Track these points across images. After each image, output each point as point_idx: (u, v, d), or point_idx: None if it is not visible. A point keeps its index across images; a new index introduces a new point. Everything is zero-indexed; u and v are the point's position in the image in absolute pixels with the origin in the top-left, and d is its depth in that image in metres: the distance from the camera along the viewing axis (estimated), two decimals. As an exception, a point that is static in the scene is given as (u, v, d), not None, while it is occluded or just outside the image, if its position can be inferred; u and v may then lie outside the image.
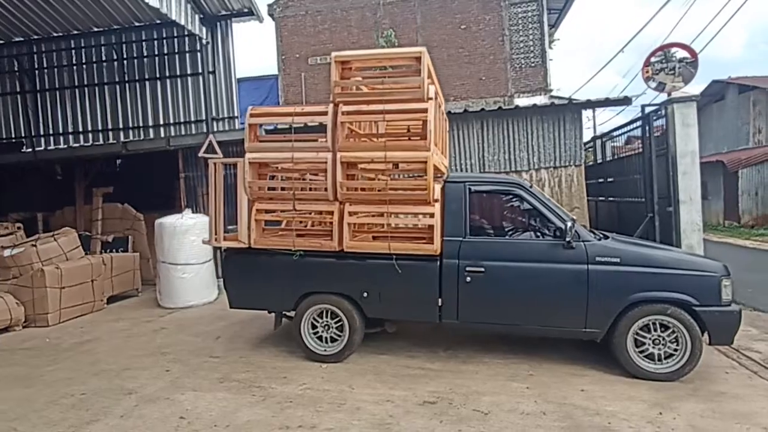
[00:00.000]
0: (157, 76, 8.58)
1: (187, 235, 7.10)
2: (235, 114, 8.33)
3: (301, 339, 4.52)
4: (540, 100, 12.73)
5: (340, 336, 4.48)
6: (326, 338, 4.51)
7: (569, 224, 3.95)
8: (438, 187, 4.13)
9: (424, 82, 3.94)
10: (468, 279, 4.13)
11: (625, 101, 7.15)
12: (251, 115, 4.33)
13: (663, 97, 6.19)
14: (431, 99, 3.99)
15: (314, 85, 15.39)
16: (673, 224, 5.90)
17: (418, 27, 14.59)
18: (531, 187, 4.35)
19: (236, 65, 8.23)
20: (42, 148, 9.14)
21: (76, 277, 6.72)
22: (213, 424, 3.31)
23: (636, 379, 3.89)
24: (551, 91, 13.67)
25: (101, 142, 8.83)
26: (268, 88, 15.59)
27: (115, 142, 8.68)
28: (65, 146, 9.00)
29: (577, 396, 3.64)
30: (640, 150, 6.72)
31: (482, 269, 4.11)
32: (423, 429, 3.20)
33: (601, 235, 4.30)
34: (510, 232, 4.27)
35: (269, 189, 4.53)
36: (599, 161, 8.91)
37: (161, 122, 8.65)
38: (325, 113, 4.14)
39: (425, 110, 3.92)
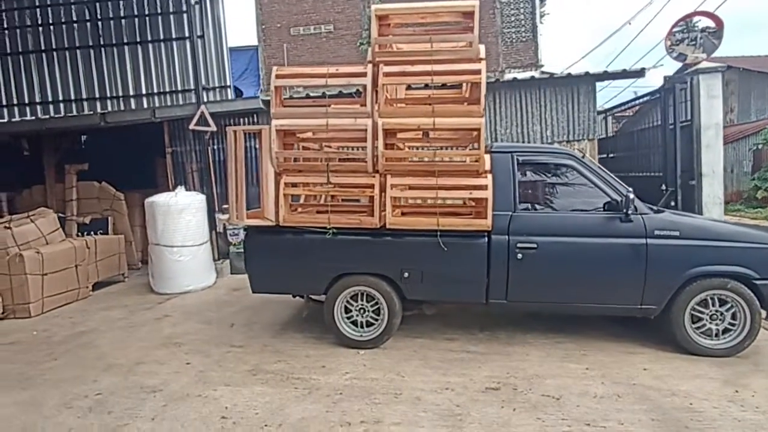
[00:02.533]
0: (138, 40, 7.74)
1: (183, 215, 6.53)
2: (228, 83, 7.66)
3: (334, 324, 4.15)
4: (525, 75, 12.51)
5: (376, 320, 4.14)
6: (361, 323, 4.17)
7: (629, 196, 3.72)
8: (488, 158, 3.80)
9: (477, 40, 3.56)
10: (519, 256, 3.85)
11: (640, 73, 6.98)
12: (277, 77, 3.83)
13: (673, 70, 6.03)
14: (483, 59, 3.62)
15: (297, 57, 14.59)
16: (696, 198, 5.82)
17: (407, -2, 14.00)
18: (583, 157, 4.09)
19: (227, 30, 7.52)
20: (5, 120, 8.16)
21: (58, 263, 6.06)
22: (263, 423, 2.94)
23: (692, 356, 3.76)
24: (542, 66, 13.48)
25: (75, 113, 7.95)
26: (248, 59, 14.69)
27: (91, 113, 7.83)
28: (32, 118, 8.06)
29: (643, 375, 3.47)
30: (658, 123, 6.58)
31: (535, 245, 3.84)
32: (497, 418, 2.94)
33: (657, 209, 4.10)
34: (562, 205, 4.00)
35: (299, 160, 4.07)
36: (611, 135, 8.80)
37: (144, 92, 7.86)
38: (363, 74, 3.70)
39: (479, 71, 3.54)
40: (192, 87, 7.48)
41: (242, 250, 7.68)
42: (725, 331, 3.78)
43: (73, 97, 7.95)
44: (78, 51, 7.90)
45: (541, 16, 14.64)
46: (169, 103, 7.73)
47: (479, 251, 3.90)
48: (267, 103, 7.48)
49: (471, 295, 4.03)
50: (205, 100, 7.34)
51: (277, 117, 3.83)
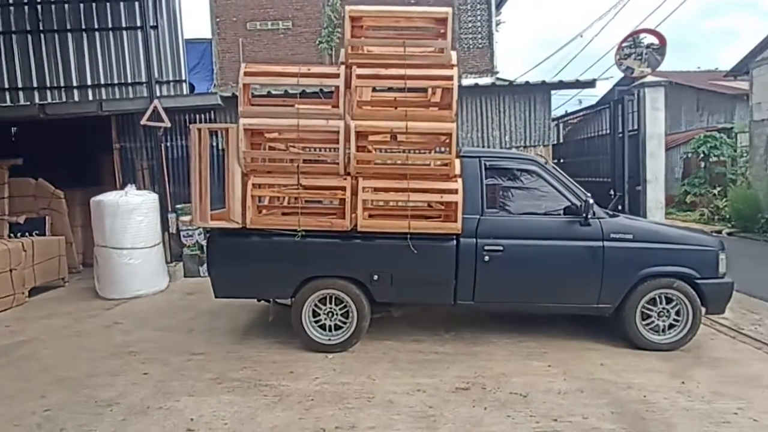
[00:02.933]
0: (83, 27, 7.21)
1: (134, 215, 6.17)
2: (183, 77, 7.31)
3: (302, 328, 4.08)
4: (486, 81, 12.91)
5: (345, 323, 4.11)
6: (330, 326, 4.12)
7: (588, 201, 3.93)
8: (458, 162, 3.88)
9: (449, 47, 3.63)
10: (486, 258, 3.96)
11: (591, 84, 7.40)
12: (246, 74, 3.70)
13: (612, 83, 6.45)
14: (455, 66, 3.69)
15: (253, 53, 14.18)
16: (641, 202, 6.24)
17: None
18: (546, 163, 4.27)
19: (183, 21, 7.17)
20: (-77, 109, 7.34)
21: (-10, 267, 5.54)
22: (233, 433, 2.83)
23: (641, 350, 4.03)
24: (497, 73, 13.94)
25: (9, 103, 7.29)
26: (201, 52, 14.12)
27: (28, 103, 7.20)
28: (-43, 107, 7.30)
29: (601, 371, 3.67)
30: (606, 132, 7.00)
31: (501, 248, 3.97)
32: (470, 418, 3.00)
33: (612, 213, 4.35)
34: (526, 209, 4.15)
35: (266, 161, 3.96)
36: (561, 142, 9.23)
37: (89, 83, 7.33)
38: (336, 75, 3.66)
39: (451, 77, 3.61)
40: (144, 80, 7.08)
41: (196, 252, 7.48)
42: (670, 326, 4.07)
43: (7, 86, 7.28)
44: (14, 36, 7.24)
45: (497, 24, 15.14)
46: (117, 96, 7.26)
47: (448, 254, 3.97)
48: (225, 99, 7.24)
49: (439, 296, 4.10)
50: (158, 94, 6.96)
51: (246, 116, 3.71)
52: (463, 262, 3.98)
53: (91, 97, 7.27)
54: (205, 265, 4.26)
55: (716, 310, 4.14)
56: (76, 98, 7.31)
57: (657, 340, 4.06)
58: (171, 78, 7.26)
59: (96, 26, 7.20)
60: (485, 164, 4.13)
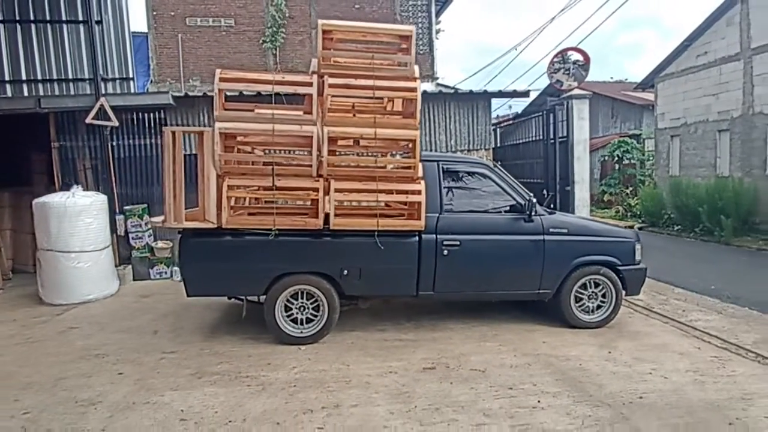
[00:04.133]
0: (17, 18, 6.76)
1: (82, 217, 5.96)
2: (130, 75, 7.10)
3: (275, 323, 4.28)
4: (428, 87, 13.54)
5: (316, 316, 4.37)
6: (301, 320, 4.36)
7: (532, 200, 4.50)
8: (420, 166, 4.27)
9: (413, 61, 4.02)
10: (445, 252, 4.41)
11: (526, 94, 8.17)
12: (221, 80, 3.85)
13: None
14: (418, 79, 4.09)
15: (194, 49, 13.76)
16: (570, 201, 7.05)
17: (311, 0, 14.08)
18: (495, 166, 4.80)
19: (129, 16, 6.97)
20: None
21: None
22: (226, 420, 3.01)
23: (575, 329, 4.68)
24: (437, 79, 14.61)
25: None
26: (136, 47, 13.38)
27: (-48, 98, 6.64)
28: None
29: (543, 347, 4.24)
30: (539, 137, 7.79)
31: (458, 242, 4.43)
32: (439, 391, 3.41)
33: (550, 210, 4.98)
34: (479, 207, 4.65)
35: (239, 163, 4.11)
36: (499, 146, 10.01)
37: (24, 77, 6.88)
38: (309, 84, 3.92)
39: (415, 89, 4.00)
40: (87, 76, 6.79)
41: (146, 255, 7.30)
42: (598, 307, 4.76)
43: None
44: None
45: (437, 32, 15.87)
46: (57, 93, 6.90)
47: (411, 249, 4.36)
48: (177, 99, 7.13)
49: (403, 288, 4.48)
50: (104, 92, 6.72)
51: (221, 120, 3.85)
52: (424, 257, 4.39)
53: (26, 93, 6.84)
54: (178, 264, 4.30)
55: (634, 292, 4.89)
56: (8, 93, 6.84)
57: (588, 319, 4.72)
58: (117, 75, 7.03)
59: (32, 17, 6.79)
60: (443, 167, 4.58)
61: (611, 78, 28.39)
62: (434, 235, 4.40)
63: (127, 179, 7.21)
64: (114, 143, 7.05)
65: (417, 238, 4.36)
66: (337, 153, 4.56)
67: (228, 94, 7.24)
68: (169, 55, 13.60)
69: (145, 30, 13.50)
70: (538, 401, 3.23)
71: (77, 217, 5.91)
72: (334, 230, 4.17)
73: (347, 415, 3.07)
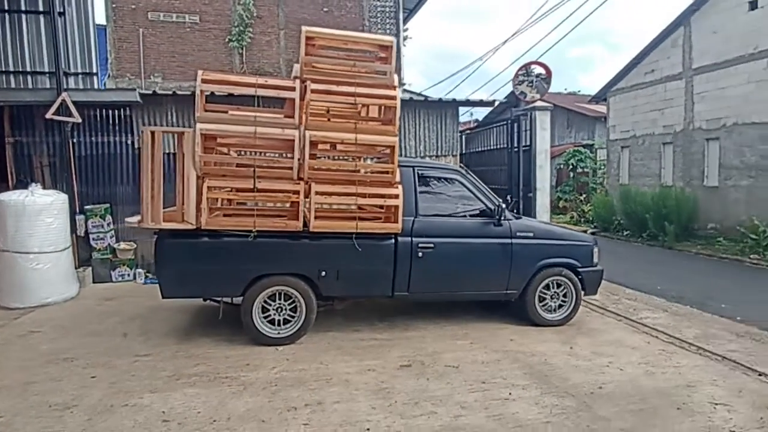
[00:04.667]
0: (-30, 5, 6.39)
1: (42, 217, 5.72)
2: (94, 70, 6.86)
3: (252, 324, 4.30)
4: (399, 94, 13.78)
5: (293, 317, 4.43)
6: (279, 321, 4.41)
7: (501, 205, 4.76)
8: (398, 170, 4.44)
9: (393, 70, 4.18)
10: (420, 254, 4.59)
11: (491, 103, 8.54)
12: (203, 81, 3.86)
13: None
14: (396, 87, 4.25)
15: (156, 45, 13.33)
16: (533, 206, 7.44)
17: (280, 1, 14.00)
18: (468, 173, 5.03)
19: (94, 8, 6.74)
20: None
21: None
22: (210, 419, 3.04)
23: (539, 327, 4.98)
24: (404, 85, 14.90)
25: None
26: (94, 39, 12.84)
27: None
28: None
29: (511, 344, 4.50)
30: (503, 145, 8.16)
31: (432, 245, 4.62)
32: (418, 387, 3.57)
33: (517, 215, 5.27)
34: (451, 211, 4.86)
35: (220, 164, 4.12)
36: (464, 152, 10.34)
37: (-25, 68, 6.51)
38: (292, 89, 4.00)
39: (394, 97, 4.17)
40: (47, 70, 6.51)
41: (108, 257, 7.06)
42: (560, 306, 5.08)
43: None
44: None
45: (404, 39, 16.17)
46: (13, 86, 6.56)
47: (388, 251, 4.51)
48: (144, 96, 6.96)
49: (380, 289, 4.62)
50: (65, 86, 6.47)
51: (202, 121, 3.86)
52: (400, 259, 4.55)
53: (-22, 85, 6.48)
54: (153, 265, 4.24)
55: (591, 292, 5.25)
56: (-42, 84, 6.45)
57: (551, 318, 5.04)
58: (80, 70, 6.78)
59: (-13, 6, 6.45)
60: (418, 173, 4.77)
61: (565, 89, 29.81)
62: (410, 238, 4.57)
63: (88, 178, 6.95)
64: (75, 140, 6.78)
65: (393, 240, 4.52)
66: (317, 157, 4.66)
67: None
68: (129, 49, 13.10)
69: (104, 23, 12.95)
70: (510, 393, 3.45)
71: (36, 217, 5.67)
72: (313, 232, 4.25)
73: (331, 411, 3.17)
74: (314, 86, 3.99)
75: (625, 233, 13.11)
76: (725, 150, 11.30)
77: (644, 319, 5.40)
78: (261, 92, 3.93)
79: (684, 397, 3.42)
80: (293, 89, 3.97)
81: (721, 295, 6.73)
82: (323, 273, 4.39)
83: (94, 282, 6.92)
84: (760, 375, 3.84)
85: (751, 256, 9.53)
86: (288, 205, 4.28)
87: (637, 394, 3.47)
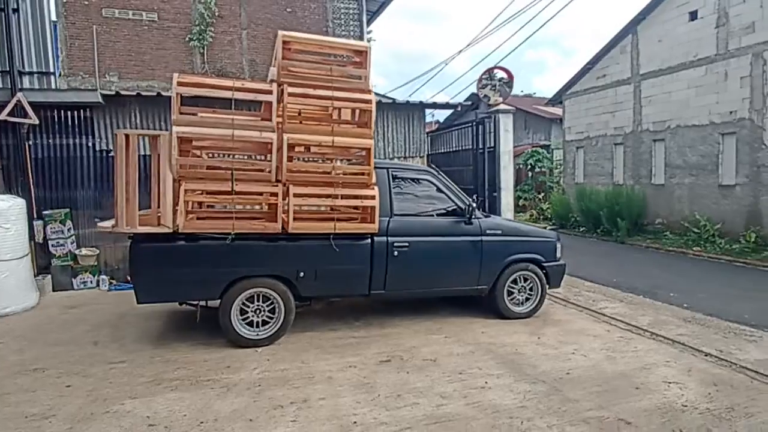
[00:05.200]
0: None
1: (-2, 223, 5.44)
2: (51, 69, 6.59)
3: (230, 326, 4.31)
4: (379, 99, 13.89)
5: (272, 318, 4.47)
6: (257, 322, 4.43)
7: (472, 205, 4.98)
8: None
9: (368, 74, 4.31)
10: (395, 253, 4.73)
11: (456, 106, 8.81)
12: (179, 84, 3.84)
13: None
14: (371, 91, 4.38)
15: (111, 43, 12.75)
16: (497, 206, 7.75)
17: (242, 0, 13.79)
18: (439, 173, 5.23)
19: (50, 5, 6.46)
20: None
21: None
22: (197, 421, 3.05)
23: (508, 320, 5.24)
24: (374, 87, 15.02)
25: None
26: (43, 36, 12.18)
27: None
28: None
29: (483, 337, 4.73)
30: (469, 147, 8.46)
31: (407, 244, 4.78)
32: (399, 380, 3.71)
33: (486, 214, 5.52)
34: (425, 211, 5.04)
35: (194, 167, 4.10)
36: (431, 153, 10.58)
37: None
38: (269, 92, 4.04)
39: (370, 101, 4.29)
40: (1, 69, 6.19)
41: (68, 263, 6.79)
42: (526, 300, 5.37)
43: None
44: None
45: (368, 41, 16.31)
46: (-38, 85, 6.20)
47: (364, 251, 4.63)
48: (106, 97, 6.74)
49: (357, 288, 4.73)
50: (20, 86, 6.18)
51: (179, 124, 3.84)
52: (377, 258, 4.68)
53: None
54: (128, 270, 4.17)
55: (555, 285, 5.57)
56: None
57: (518, 311, 5.31)
58: (35, 69, 6.49)
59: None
60: (392, 174, 4.91)
61: (522, 92, 30.85)
62: (385, 238, 4.71)
63: (46, 181, 6.66)
64: (31, 142, 6.48)
65: (370, 240, 4.64)
66: (294, 159, 4.71)
67: (165, 95, 7.03)
68: (82, 47, 12.47)
69: (54, 18, 12.30)
70: (486, 382, 3.66)
71: (-8, 223, 5.40)
72: (291, 234, 4.31)
73: (317, 407, 3.26)
74: (291, 90, 4.06)
75: (581, 229, 13.81)
76: (670, 150, 12.14)
77: (603, 309, 5.79)
78: (238, 95, 3.95)
79: (642, 378, 3.74)
80: (271, 92, 4.02)
81: (669, 285, 7.27)
82: (301, 274, 4.46)
83: (54, 290, 6.65)
84: (706, 356, 4.24)
85: (694, 248, 10.31)
86: (266, 207, 4.31)
87: (600, 377, 3.76)
